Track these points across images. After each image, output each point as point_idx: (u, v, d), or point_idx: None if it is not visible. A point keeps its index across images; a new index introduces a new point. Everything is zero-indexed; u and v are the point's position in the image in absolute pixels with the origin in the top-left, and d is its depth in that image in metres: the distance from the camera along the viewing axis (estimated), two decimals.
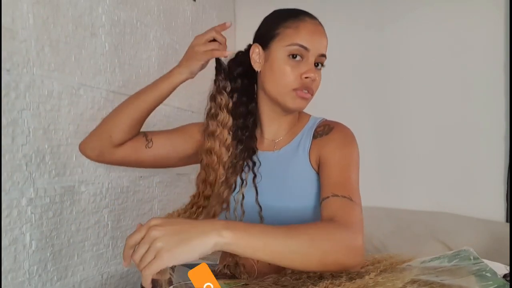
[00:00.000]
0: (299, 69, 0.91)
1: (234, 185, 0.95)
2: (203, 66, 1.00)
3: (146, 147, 1.02)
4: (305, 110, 1.01)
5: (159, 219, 0.66)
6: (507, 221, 1.70)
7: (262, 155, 0.98)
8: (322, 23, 0.98)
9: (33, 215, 0.99)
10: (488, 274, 0.74)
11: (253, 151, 0.97)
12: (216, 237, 0.64)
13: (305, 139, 0.99)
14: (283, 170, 0.96)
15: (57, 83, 1.06)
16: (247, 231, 0.66)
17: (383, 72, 1.92)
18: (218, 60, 1.01)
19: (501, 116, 1.73)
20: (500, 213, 1.72)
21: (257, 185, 0.94)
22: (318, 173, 0.94)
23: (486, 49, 1.75)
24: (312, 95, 0.94)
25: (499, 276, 0.75)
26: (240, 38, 2.12)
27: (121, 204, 1.30)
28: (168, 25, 1.51)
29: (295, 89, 0.91)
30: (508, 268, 0.87)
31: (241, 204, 0.93)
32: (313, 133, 0.99)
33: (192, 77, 1.00)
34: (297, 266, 0.71)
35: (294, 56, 0.91)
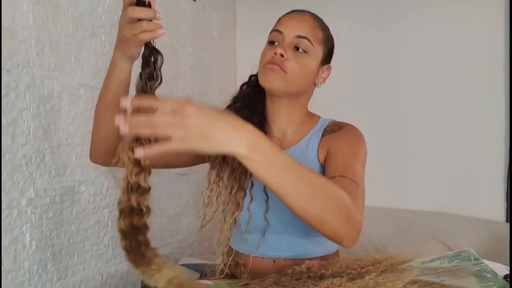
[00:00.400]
0: (273, 50, 0.94)
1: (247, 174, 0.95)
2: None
3: None
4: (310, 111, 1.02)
5: (196, 104, 0.60)
6: (507, 221, 1.70)
7: None
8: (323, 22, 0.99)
9: (33, 215, 0.99)
10: (488, 275, 0.74)
11: None
12: (238, 151, 0.61)
13: (314, 139, 1.00)
14: None
15: (57, 83, 1.06)
16: (268, 158, 0.63)
17: (383, 72, 1.92)
18: (146, 45, 0.79)
19: (501, 116, 1.72)
20: (500, 213, 1.72)
21: None
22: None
23: (486, 49, 1.75)
24: (284, 71, 0.93)
25: (499, 277, 0.75)
26: (240, 38, 2.12)
27: None
28: (168, 25, 1.51)
29: (264, 65, 0.95)
30: (509, 268, 0.87)
31: (250, 191, 0.94)
32: (322, 133, 1.00)
33: (137, 58, 0.85)
34: (296, 205, 0.68)
35: (273, 42, 0.97)
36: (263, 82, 0.96)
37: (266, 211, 0.93)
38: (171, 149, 0.60)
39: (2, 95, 0.91)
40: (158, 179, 1.49)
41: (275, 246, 0.96)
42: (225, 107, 1.04)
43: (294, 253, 0.96)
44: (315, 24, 0.98)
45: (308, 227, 0.94)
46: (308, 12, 1.01)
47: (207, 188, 0.96)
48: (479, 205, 1.73)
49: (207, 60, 1.80)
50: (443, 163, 1.81)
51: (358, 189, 0.83)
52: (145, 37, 0.76)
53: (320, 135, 1.00)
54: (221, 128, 0.60)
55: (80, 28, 1.12)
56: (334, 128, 1.01)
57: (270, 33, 1.00)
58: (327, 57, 1.02)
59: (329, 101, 1.75)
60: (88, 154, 0.96)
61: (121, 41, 0.81)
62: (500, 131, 1.73)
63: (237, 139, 0.61)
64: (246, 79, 1.07)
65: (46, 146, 1.03)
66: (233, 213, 0.92)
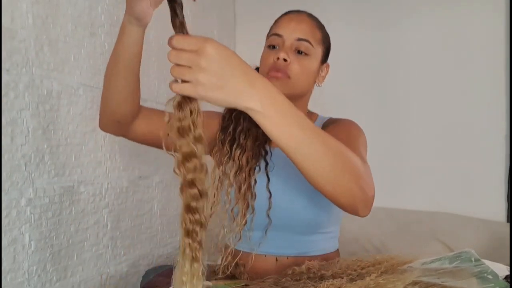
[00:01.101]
0: (275, 55, 0.93)
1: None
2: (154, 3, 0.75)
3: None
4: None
5: (216, 46, 0.56)
6: (507, 221, 1.70)
7: (274, 151, 0.98)
8: (323, 22, 0.98)
9: (32, 215, 0.99)
10: (489, 276, 0.73)
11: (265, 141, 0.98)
12: (252, 106, 0.58)
13: None
14: (294, 167, 0.95)
15: (56, 82, 1.05)
16: (285, 117, 0.60)
17: (383, 72, 1.91)
18: None
19: (501, 116, 1.72)
20: (500, 213, 1.72)
21: (269, 174, 0.95)
22: None
23: (486, 49, 1.75)
24: (288, 77, 0.93)
25: (500, 278, 0.74)
26: (240, 38, 2.12)
27: (121, 204, 1.29)
28: (168, 25, 1.50)
29: (268, 72, 0.94)
30: (509, 268, 0.87)
31: (253, 187, 0.94)
32: (321, 128, 0.99)
33: (148, 21, 0.77)
34: (310, 167, 0.65)
35: (273, 46, 0.96)
36: None
37: (269, 208, 0.93)
38: (185, 93, 0.56)
39: (1, 95, 0.91)
40: (158, 179, 1.49)
41: (278, 243, 0.96)
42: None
43: (297, 250, 0.96)
44: (314, 25, 0.98)
45: (309, 224, 0.95)
46: (304, 12, 1.00)
47: (212, 185, 0.94)
48: (480, 205, 1.73)
49: None
50: (443, 163, 1.80)
51: (366, 163, 0.81)
52: None
53: None
54: (239, 79, 0.57)
55: (79, 27, 1.12)
56: (332, 121, 1.02)
57: (268, 36, 0.99)
58: (326, 56, 1.03)
59: (329, 101, 1.75)
60: (87, 153, 0.96)
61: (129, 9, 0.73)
62: (500, 131, 1.72)
63: (254, 93, 0.57)
64: None
65: (45, 146, 1.02)
66: (245, 215, 0.90)
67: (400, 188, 1.87)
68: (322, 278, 0.78)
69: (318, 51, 0.98)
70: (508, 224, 1.66)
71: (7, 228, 0.93)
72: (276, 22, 1.00)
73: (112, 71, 0.83)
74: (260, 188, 0.93)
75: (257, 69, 1.01)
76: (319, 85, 1.03)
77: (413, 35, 1.86)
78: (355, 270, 0.79)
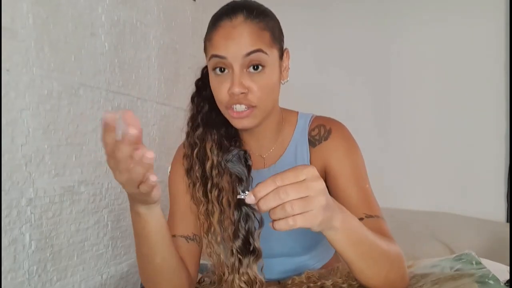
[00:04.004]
0: (226, 84, 0.77)
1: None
2: (153, 190, 0.65)
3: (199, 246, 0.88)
4: (296, 107, 0.92)
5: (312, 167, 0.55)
6: (507, 221, 1.70)
7: (255, 173, 0.81)
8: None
9: (32, 215, 0.99)
10: (491, 281, 0.73)
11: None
12: (335, 225, 0.59)
13: (300, 147, 0.88)
14: None
15: (57, 83, 1.05)
16: (354, 235, 0.63)
17: (383, 72, 1.92)
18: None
19: (501, 116, 1.72)
20: (500, 213, 1.72)
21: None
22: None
23: (486, 49, 1.75)
24: (253, 107, 0.77)
25: (502, 283, 0.74)
26: None
27: (121, 204, 1.30)
28: (168, 25, 1.51)
29: (227, 108, 0.79)
30: (509, 269, 0.87)
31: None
32: (308, 139, 0.88)
33: (158, 197, 0.68)
34: (362, 276, 0.68)
35: (221, 69, 0.77)
36: (235, 125, 0.81)
37: (257, 239, 0.81)
38: (298, 226, 0.54)
39: (1, 94, 0.91)
40: (158, 179, 1.48)
41: (279, 268, 0.91)
42: (185, 131, 0.89)
43: (297, 271, 0.90)
44: (256, 27, 0.76)
45: (305, 245, 0.90)
46: (238, 10, 0.77)
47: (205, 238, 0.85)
48: (479, 205, 1.74)
49: None
50: (443, 163, 1.81)
51: (386, 226, 0.79)
52: (145, 188, 0.61)
53: (307, 143, 0.87)
54: (331, 201, 0.58)
55: (79, 27, 1.12)
56: (322, 133, 0.87)
57: (208, 55, 0.79)
58: (282, 47, 0.83)
59: (329, 101, 1.75)
60: (88, 153, 0.94)
61: (130, 196, 0.66)
62: (500, 131, 1.73)
63: (339, 212, 0.60)
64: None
65: (46, 146, 1.02)
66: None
67: (400, 188, 1.87)
68: (322, 287, 0.77)
69: (273, 53, 0.79)
70: (508, 224, 1.66)
71: (7, 228, 0.93)
72: (210, 38, 0.79)
73: (151, 272, 0.74)
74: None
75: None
76: (283, 82, 0.85)
77: (413, 35, 1.87)
78: (355, 280, 0.78)
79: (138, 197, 0.64)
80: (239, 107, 0.77)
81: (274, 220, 0.55)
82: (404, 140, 1.87)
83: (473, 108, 1.77)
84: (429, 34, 1.83)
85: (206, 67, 0.89)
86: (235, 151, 0.68)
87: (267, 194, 0.54)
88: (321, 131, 0.87)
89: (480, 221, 1.66)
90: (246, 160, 0.70)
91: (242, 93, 0.75)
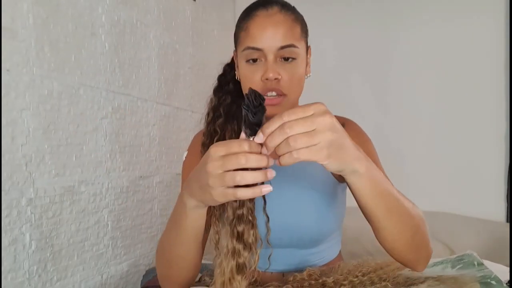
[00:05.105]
0: (259, 72, 0.81)
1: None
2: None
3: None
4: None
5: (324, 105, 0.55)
6: (507, 221, 1.70)
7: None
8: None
9: (32, 215, 0.99)
10: (493, 282, 0.73)
11: None
12: (358, 168, 0.59)
13: None
14: (296, 181, 0.87)
15: (57, 83, 1.05)
16: (377, 184, 0.62)
17: (383, 71, 1.92)
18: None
19: (501, 116, 1.73)
20: (500, 213, 1.72)
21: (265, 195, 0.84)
22: (340, 181, 0.90)
23: (486, 49, 1.75)
24: (285, 95, 0.81)
25: (504, 284, 0.74)
26: None
27: (121, 204, 1.30)
28: (168, 25, 1.51)
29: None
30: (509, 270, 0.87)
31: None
32: None
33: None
34: (385, 232, 0.68)
35: (253, 60, 0.81)
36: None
37: (268, 234, 0.84)
38: (302, 159, 0.53)
39: (1, 94, 0.91)
40: (159, 179, 1.49)
41: (283, 260, 0.90)
42: (205, 121, 0.92)
43: (302, 264, 0.89)
44: (289, 19, 0.82)
45: (312, 238, 0.89)
46: (274, 1, 0.83)
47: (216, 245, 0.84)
48: (479, 205, 1.73)
49: (207, 60, 1.80)
50: (443, 163, 1.81)
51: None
52: (243, 195, 0.57)
53: None
54: (351, 143, 0.57)
55: (80, 28, 1.12)
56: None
57: (241, 47, 0.83)
58: (307, 43, 0.88)
59: (328, 101, 1.74)
60: (88, 153, 0.94)
61: (204, 189, 0.60)
62: (500, 131, 1.73)
63: (362, 157, 0.59)
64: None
65: (46, 146, 1.02)
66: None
67: (400, 188, 1.86)
68: (324, 285, 0.77)
69: (302, 46, 0.84)
70: (508, 224, 1.66)
71: (7, 228, 0.93)
72: (245, 28, 0.82)
73: (175, 257, 0.77)
74: (257, 212, 0.84)
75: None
76: (307, 77, 0.89)
77: (413, 35, 1.87)
78: (356, 277, 0.77)
79: (213, 201, 0.61)
80: (270, 94, 0.80)
81: (279, 156, 0.54)
82: (404, 140, 1.87)
83: (473, 108, 1.77)
84: (429, 34, 1.83)
85: (228, 64, 0.95)
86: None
87: (273, 131, 0.53)
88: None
89: (480, 221, 1.66)
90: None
91: (275, 78, 0.80)
